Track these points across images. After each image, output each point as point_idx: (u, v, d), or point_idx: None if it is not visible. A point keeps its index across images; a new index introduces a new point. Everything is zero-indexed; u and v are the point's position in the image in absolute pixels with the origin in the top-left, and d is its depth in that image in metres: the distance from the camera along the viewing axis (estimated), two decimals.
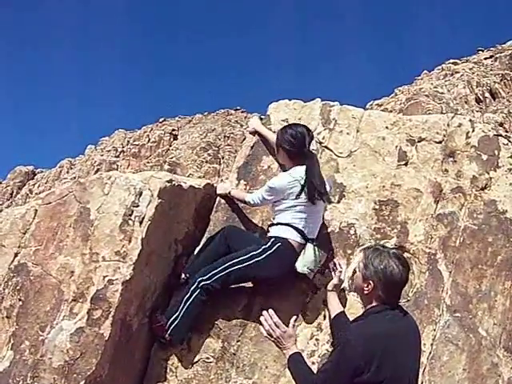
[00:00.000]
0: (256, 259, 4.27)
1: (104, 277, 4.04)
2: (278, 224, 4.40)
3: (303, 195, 4.29)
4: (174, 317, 4.27)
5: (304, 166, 4.36)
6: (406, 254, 4.54)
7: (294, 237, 4.32)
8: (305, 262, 4.30)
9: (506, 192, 4.76)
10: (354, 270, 3.68)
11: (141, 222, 4.22)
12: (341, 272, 4.25)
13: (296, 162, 4.43)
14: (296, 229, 4.32)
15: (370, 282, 3.21)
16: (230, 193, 4.78)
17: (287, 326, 3.44)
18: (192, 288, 4.27)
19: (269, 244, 4.31)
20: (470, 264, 4.53)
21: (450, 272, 4.51)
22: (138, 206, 4.25)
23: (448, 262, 4.53)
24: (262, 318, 3.49)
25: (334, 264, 4.33)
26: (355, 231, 4.63)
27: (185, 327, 4.29)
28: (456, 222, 4.65)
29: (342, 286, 4.34)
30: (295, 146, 4.42)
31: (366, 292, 3.25)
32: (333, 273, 4.30)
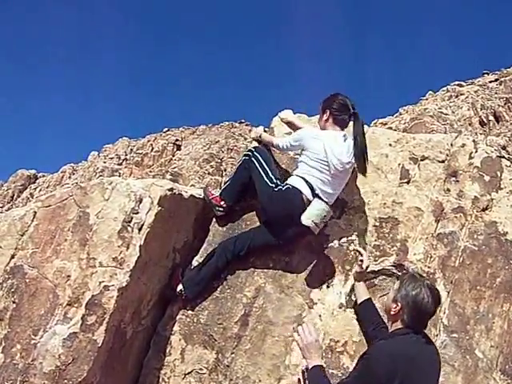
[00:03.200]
0: (268, 191, 4.49)
1: (100, 282, 4.01)
2: (294, 175, 4.55)
3: (325, 157, 4.41)
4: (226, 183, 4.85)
5: (341, 132, 4.58)
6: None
7: (304, 190, 4.40)
8: (309, 214, 4.33)
9: (507, 214, 4.72)
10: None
11: (140, 229, 4.20)
12: (362, 261, 4.30)
13: (337, 126, 4.62)
14: (308, 183, 4.42)
15: (399, 304, 3.35)
16: (260, 136, 4.96)
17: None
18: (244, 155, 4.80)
19: (280, 186, 4.47)
20: (468, 285, 4.50)
21: (449, 292, 4.47)
22: (137, 213, 4.23)
23: (447, 282, 4.49)
24: (298, 327, 3.60)
25: (355, 252, 4.46)
26: (354, 252, 4.59)
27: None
28: (456, 242, 4.62)
29: (367, 270, 4.38)
30: (342, 110, 4.60)
31: (392, 312, 3.40)
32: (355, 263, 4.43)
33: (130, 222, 4.20)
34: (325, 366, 3.55)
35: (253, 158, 4.67)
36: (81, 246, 4.16)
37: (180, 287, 4.54)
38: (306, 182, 4.43)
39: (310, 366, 3.43)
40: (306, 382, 3.48)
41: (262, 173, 4.57)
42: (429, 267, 4.55)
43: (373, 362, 3.15)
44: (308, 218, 4.32)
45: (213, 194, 4.80)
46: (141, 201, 4.27)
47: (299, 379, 3.60)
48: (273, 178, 4.54)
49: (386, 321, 3.90)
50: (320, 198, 4.40)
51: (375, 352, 3.25)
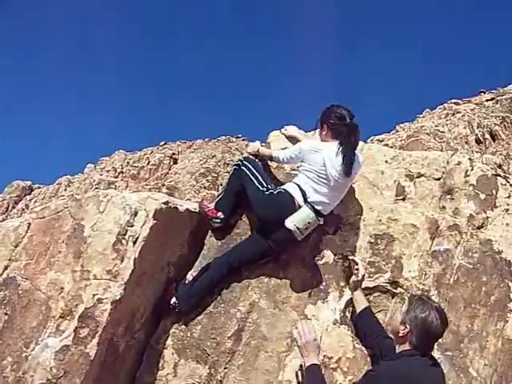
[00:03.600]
0: (259, 195, 4.53)
1: (94, 295, 3.99)
2: (290, 182, 4.61)
3: (323, 168, 4.42)
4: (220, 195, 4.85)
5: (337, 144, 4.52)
6: (399, 289, 4.53)
7: (296, 195, 4.42)
8: (294, 218, 4.34)
9: (502, 232, 4.73)
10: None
11: (134, 242, 4.19)
12: (358, 269, 4.35)
13: (336, 139, 4.55)
14: (301, 190, 4.44)
15: (407, 326, 3.39)
16: (258, 150, 4.94)
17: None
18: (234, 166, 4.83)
19: (272, 190, 4.54)
20: (463, 303, 4.50)
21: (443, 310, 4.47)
22: (132, 226, 4.22)
23: (441, 300, 4.48)
24: (297, 324, 3.77)
25: (350, 262, 4.49)
26: (349, 264, 4.59)
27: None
28: (451, 260, 4.62)
29: (363, 280, 4.43)
30: (339, 123, 4.56)
31: (400, 334, 3.42)
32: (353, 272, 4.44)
33: (124, 234, 4.19)
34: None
35: (242, 167, 4.70)
36: (75, 258, 4.14)
37: (174, 300, 4.52)
38: (300, 188, 4.45)
39: (307, 364, 3.54)
40: (303, 379, 3.54)
41: (252, 178, 4.60)
42: (423, 284, 4.55)
43: (377, 381, 3.22)
44: (292, 221, 4.33)
45: (208, 207, 4.80)
46: (136, 214, 4.26)
47: (296, 375, 3.68)
48: (263, 182, 4.57)
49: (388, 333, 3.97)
50: (311, 205, 4.39)
51: (381, 371, 3.32)
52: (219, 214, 4.75)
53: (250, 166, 4.69)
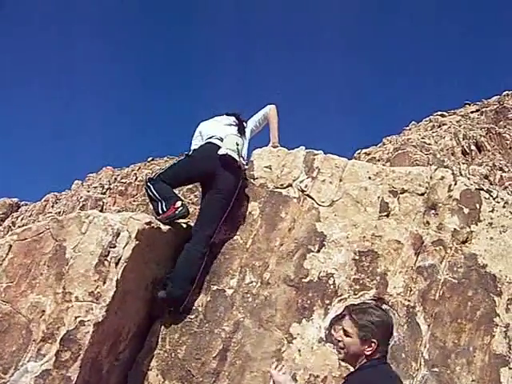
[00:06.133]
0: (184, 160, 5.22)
1: (76, 317, 3.94)
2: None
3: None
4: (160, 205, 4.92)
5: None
6: (384, 306, 4.50)
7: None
8: (223, 145, 4.99)
9: (487, 246, 4.74)
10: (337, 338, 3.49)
11: (117, 263, 4.15)
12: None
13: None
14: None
15: (373, 340, 3.12)
16: None
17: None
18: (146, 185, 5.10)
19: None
20: (449, 318, 4.48)
21: (429, 325, 4.45)
22: (114, 247, 4.19)
23: (427, 315, 4.47)
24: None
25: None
26: (334, 281, 4.58)
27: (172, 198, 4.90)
28: (436, 275, 4.62)
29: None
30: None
31: (367, 353, 3.13)
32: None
33: (107, 256, 4.15)
34: None
35: (149, 183, 5.04)
36: (57, 280, 4.10)
37: (161, 294, 4.57)
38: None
39: None
40: None
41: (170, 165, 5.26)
42: (409, 301, 4.53)
43: None
44: (224, 147, 4.96)
45: (165, 211, 4.84)
46: (118, 235, 4.23)
47: None
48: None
49: None
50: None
51: (355, 381, 3.15)
52: (177, 203, 4.83)
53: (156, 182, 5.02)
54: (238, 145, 5.02)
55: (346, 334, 3.16)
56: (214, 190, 4.89)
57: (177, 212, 4.78)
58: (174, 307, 4.57)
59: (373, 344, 3.12)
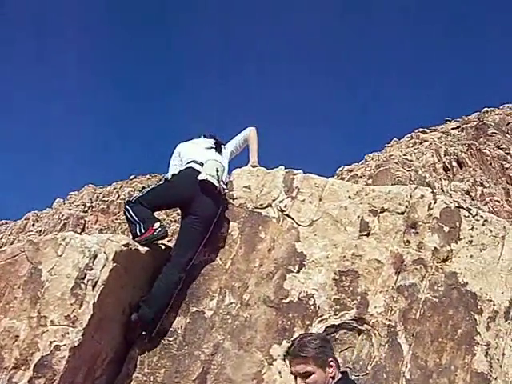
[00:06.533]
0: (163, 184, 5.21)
1: (51, 342, 3.85)
2: None
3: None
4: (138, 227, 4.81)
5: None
6: (365, 326, 4.48)
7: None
8: (203, 170, 4.96)
9: (467, 264, 4.74)
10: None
11: (94, 286, 4.08)
12: None
13: None
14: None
15: (330, 359, 3.09)
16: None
17: None
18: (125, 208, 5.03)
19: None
20: (430, 337, 4.46)
21: (410, 345, 4.43)
22: (91, 269, 4.12)
23: (408, 335, 4.45)
24: None
25: None
26: (314, 302, 4.54)
27: (151, 220, 4.83)
28: (416, 294, 4.60)
29: None
30: None
31: (332, 374, 3.08)
32: None
33: (83, 278, 4.08)
34: None
35: (127, 206, 4.99)
36: (31, 304, 4.01)
37: (134, 316, 4.50)
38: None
39: None
40: None
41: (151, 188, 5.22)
42: (390, 320, 4.50)
43: None
44: (203, 173, 4.91)
45: (143, 233, 4.76)
46: (95, 257, 4.17)
47: None
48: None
49: None
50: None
51: None
52: (155, 225, 4.76)
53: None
54: (218, 171, 4.98)
55: (306, 375, 3.07)
56: (193, 217, 4.83)
57: (155, 233, 4.71)
58: (146, 331, 4.50)
59: (332, 363, 3.10)
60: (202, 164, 5.08)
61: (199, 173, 4.96)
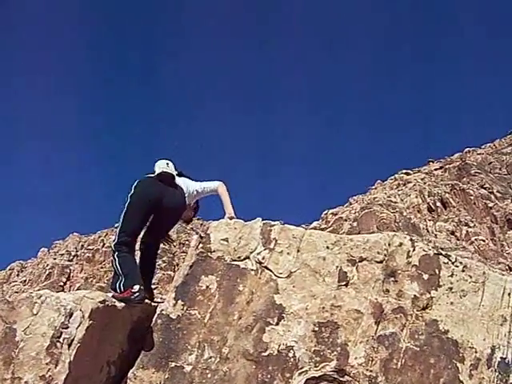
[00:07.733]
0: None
1: None
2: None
3: None
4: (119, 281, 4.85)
5: None
6: (346, 378, 4.44)
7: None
8: (156, 168, 5.45)
9: (447, 311, 4.73)
10: None
11: (70, 345, 4.04)
12: None
13: None
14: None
15: None
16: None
17: None
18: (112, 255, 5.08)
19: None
20: None
21: None
22: (67, 328, 4.09)
23: None
24: None
25: None
26: (294, 354, 4.50)
27: (133, 279, 4.81)
28: (397, 344, 4.57)
29: None
30: None
31: None
32: None
33: (59, 337, 4.04)
34: None
35: (115, 256, 5.05)
36: (5, 365, 3.96)
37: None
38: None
39: None
40: None
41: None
42: (371, 371, 4.47)
43: None
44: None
45: (122, 291, 4.77)
46: (71, 315, 4.14)
47: None
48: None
49: None
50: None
51: None
52: (135, 287, 4.73)
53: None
54: (168, 165, 5.48)
55: None
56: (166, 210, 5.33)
57: (132, 297, 4.67)
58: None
59: None
60: (154, 171, 5.48)
61: (154, 177, 5.40)
